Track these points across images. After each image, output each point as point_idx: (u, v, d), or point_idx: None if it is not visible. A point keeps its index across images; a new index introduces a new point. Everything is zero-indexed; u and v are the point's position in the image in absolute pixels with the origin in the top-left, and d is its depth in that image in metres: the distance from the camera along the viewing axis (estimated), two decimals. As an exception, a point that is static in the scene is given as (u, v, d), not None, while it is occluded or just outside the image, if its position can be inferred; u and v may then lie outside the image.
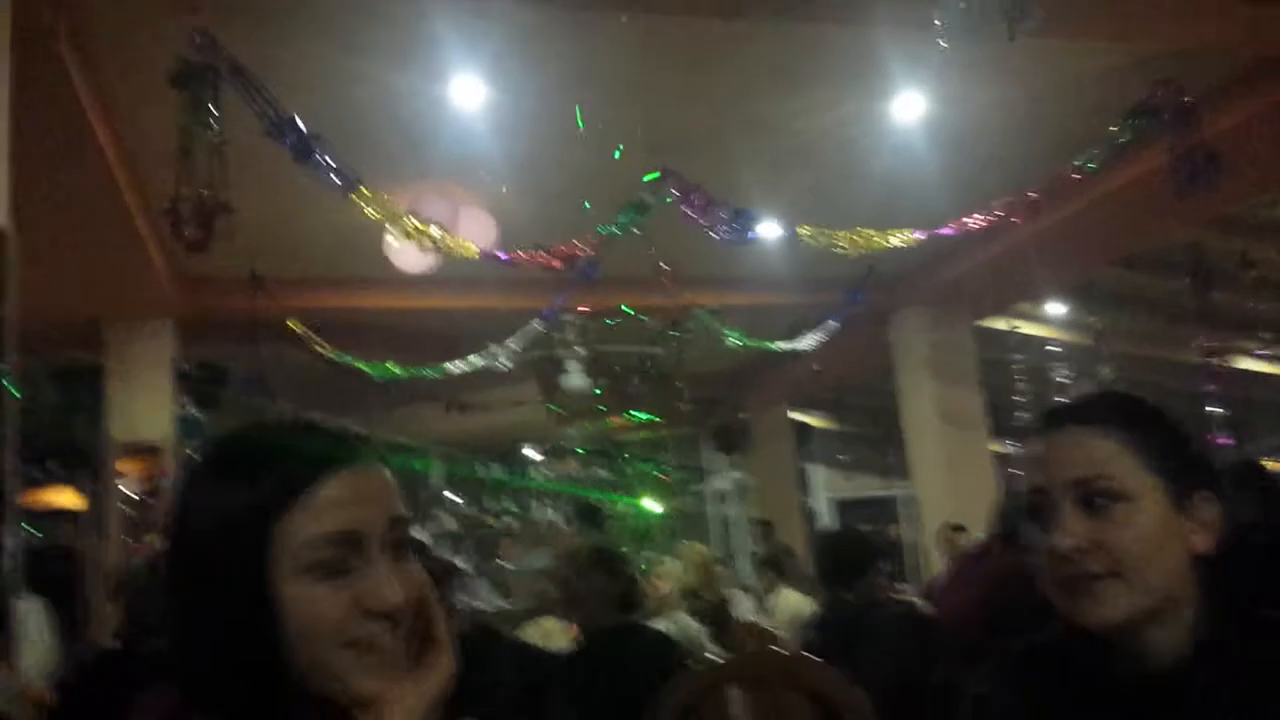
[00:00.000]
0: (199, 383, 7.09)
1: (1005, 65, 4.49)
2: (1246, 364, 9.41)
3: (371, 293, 6.90)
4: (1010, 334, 8.52)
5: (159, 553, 3.26)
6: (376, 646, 0.87)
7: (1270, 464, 4.92)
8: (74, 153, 4.45)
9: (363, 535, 0.88)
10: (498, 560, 11.09)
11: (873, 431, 12.14)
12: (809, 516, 12.64)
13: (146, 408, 6.80)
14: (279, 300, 6.43)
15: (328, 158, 4.11)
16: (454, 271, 5.49)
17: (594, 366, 8.13)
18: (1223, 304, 7.67)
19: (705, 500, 12.76)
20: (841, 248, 5.31)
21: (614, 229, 5.14)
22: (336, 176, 4.21)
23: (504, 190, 5.24)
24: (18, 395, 3.00)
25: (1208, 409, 8.29)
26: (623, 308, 7.26)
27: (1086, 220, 5.88)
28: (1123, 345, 8.72)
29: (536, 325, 6.61)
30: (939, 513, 7.42)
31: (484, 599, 8.87)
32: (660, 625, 4.41)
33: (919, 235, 5.42)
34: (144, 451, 6.74)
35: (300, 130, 3.96)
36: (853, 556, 3.70)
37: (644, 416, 9.56)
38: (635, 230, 5.16)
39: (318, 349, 6.66)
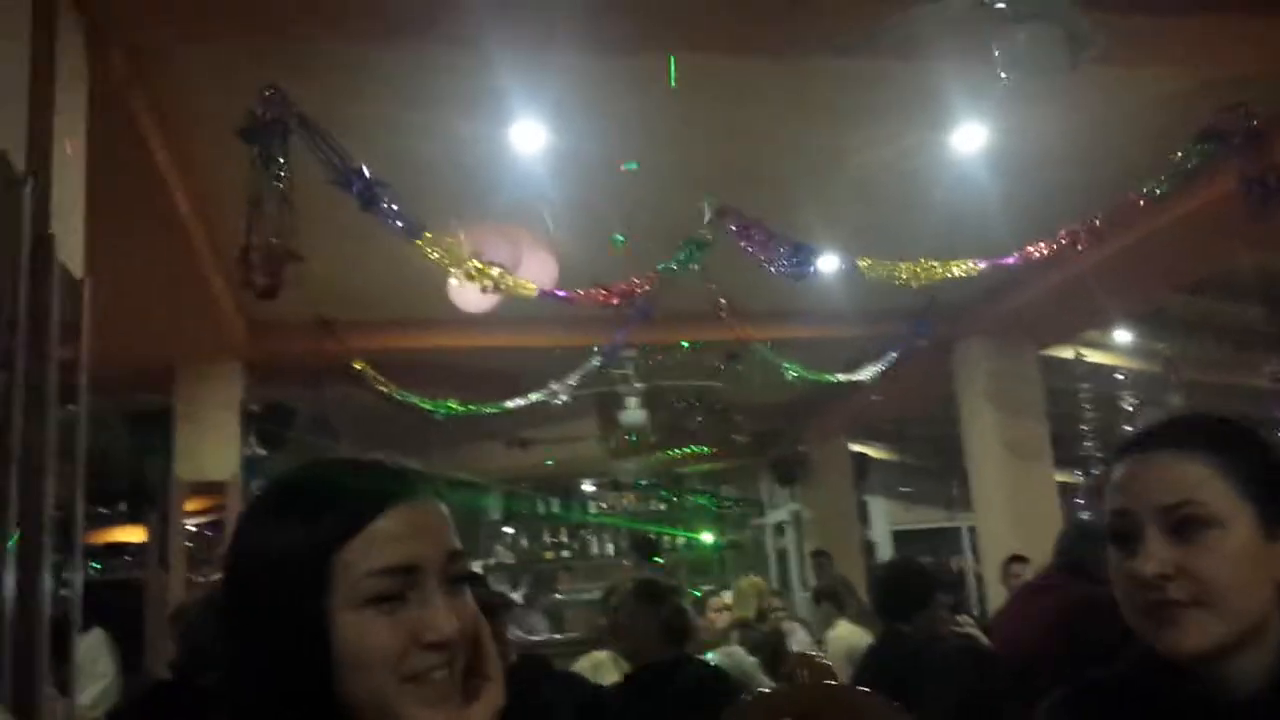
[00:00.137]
0: (265, 423, 7.22)
1: (1067, 93, 4.44)
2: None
3: (434, 333, 6.96)
4: (1076, 362, 8.37)
5: (215, 585, 3.31)
6: (430, 678, 0.88)
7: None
8: (147, 203, 4.57)
9: (420, 568, 0.89)
10: (555, 594, 11.14)
11: (934, 462, 12.00)
12: (868, 548, 12.50)
13: (214, 447, 6.94)
14: (345, 342, 6.55)
15: (392, 204, 4.19)
16: (514, 311, 5.53)
17: (653, 401, 8.15)
18: (1294, 329, 7.51)
19: (765, 532, 12.68)
20: (902, 279, 5.28)
21: (672, 265, 5.17)
22: (400, 222, 4.29)
23: (562, 230, 5.29)
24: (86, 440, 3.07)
25: (1280, 435, 8.08)
26: (682, 343, 7.27)
27: (1152, 246, 5.78)
28: (1192, 372, 8.53)
29: (595, 362, 6.65)
30: (1002, 544, 7.30)
31: (537, 630, 8.90)
32: (712, 658, 4.38)
33: (981, 265, 5.37)
34: (210, 489, 6.88)
35: (366, 178, 4.04)
36: (912, 588, 3.63)
37: (702, 450, 9.53)
38: (694, 266, 5.18)
39: (381, 388, 6.76)
